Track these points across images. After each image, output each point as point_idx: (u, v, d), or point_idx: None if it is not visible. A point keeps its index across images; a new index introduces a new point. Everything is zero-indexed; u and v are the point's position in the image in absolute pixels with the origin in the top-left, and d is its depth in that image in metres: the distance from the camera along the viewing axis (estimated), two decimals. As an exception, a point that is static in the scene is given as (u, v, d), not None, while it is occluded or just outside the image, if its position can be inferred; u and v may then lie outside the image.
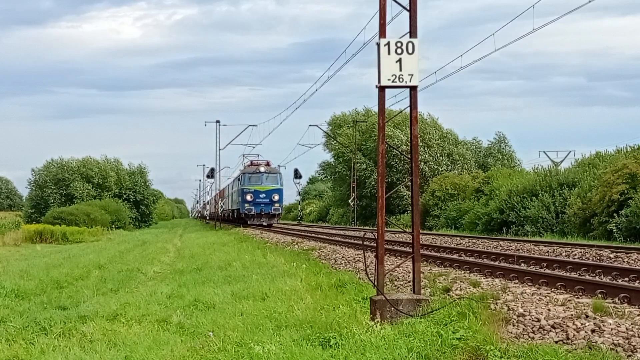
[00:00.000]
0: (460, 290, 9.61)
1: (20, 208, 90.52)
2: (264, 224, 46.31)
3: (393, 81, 8.34)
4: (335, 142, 65.03)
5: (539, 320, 7.19)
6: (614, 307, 7.77)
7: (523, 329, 7.13)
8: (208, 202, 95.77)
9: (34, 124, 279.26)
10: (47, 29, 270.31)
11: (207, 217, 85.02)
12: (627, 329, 6.62)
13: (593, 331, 6.66)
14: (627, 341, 6.31)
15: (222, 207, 68.61)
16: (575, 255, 16.03)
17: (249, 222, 46.40)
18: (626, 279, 11.13)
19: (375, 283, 8.43)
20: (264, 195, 46.50)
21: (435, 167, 56.37)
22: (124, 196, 72.89)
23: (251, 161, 51.20)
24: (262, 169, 47.65)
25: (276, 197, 46.92)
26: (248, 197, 46.55)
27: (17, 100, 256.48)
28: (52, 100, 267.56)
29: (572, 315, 7.27)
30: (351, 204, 57.01)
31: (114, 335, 8.57)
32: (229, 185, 64.26)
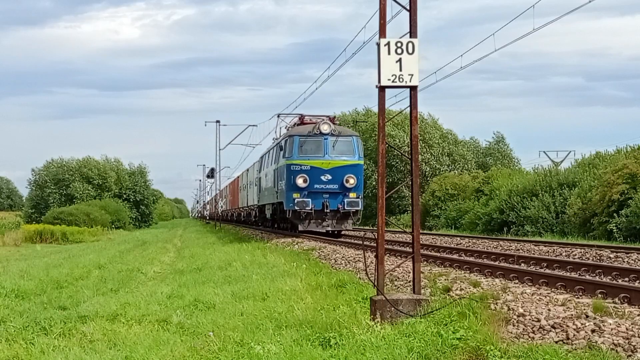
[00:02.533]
0: (461, 290, 9.61)
1: (21, 208, 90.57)
2: (328, 230, 26.07)
3: (393, 81, 8.35)
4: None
5: (539, 320, 7.19)
6: (614, 307, 7.77)
7: (523, 329, 7.13)
8: (208, 202, 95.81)
9: (34, 124, 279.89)
10: (46, 29, 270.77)
11: (207, 217, 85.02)
12: (627, 329, 6.62)
13: (593, 331, 6.66)
14: (627, 341, 6.31)
15: (222, 206, 67.98)
16: (575, 255, 16.03)
17: (300, 228, 25.88)
18: (626, 279, 11.13)
19: (375, 283, 8.43)
20: (329, 176, 25.45)
21: (437, 166, 56.44)
22: (124, 196, 72.93)
23: (301, 118, 29.03)
24: (324, 128, 25.78)
25: (352, 181, 25.43)
26: (300, 182, 25.41)
27: (17, 100, 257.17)
28: (52, 100, 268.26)
29: (572, 315, 7.27)
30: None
31: (114, 335, 8.57)
32: (249, 169, 43.05)
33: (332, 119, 27.46)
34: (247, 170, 44.68)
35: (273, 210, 30.95)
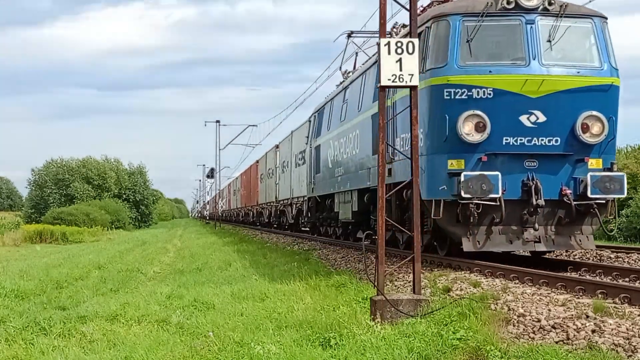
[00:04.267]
0: (461, 290, 9.60)
1: (20, 208, 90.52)
2: (539, 248, 11.19)
3: (393, 81, 8.37)
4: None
5: (539, 321, 7.18)
6: (614, 307, 7.75)
7: (523, 329, 7.12)
8: (208, 202, 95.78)
9: (34, 124, 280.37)
10: (44, 29, 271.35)
11: (207, 217, 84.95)
12: (627, 329, 6.61)
13: (593, 331, 6.65)
14: (627, 341, 6.30)
15: (222, 206, 67.52)
16: (576, 255, 16.03)
17: (467, 244, 11.04)
18: (626, 279, 11.11)
19: (376, 283, 8.43)
20: (541, 117, 10.40)
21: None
22: (124, 196, 72.90)
23: None
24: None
25: (596, 128, 10.55)
26: (467, 128, 10.34)
27: (17, 100, 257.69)
28: (52, 100, 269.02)
29: (572, 315, 7.26)
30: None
31: (114, 335, 8.56)
32: (279, 146, 31.53)
33: None
34: (277, 147, 31.15)
35: (362, 206, 15.87)
